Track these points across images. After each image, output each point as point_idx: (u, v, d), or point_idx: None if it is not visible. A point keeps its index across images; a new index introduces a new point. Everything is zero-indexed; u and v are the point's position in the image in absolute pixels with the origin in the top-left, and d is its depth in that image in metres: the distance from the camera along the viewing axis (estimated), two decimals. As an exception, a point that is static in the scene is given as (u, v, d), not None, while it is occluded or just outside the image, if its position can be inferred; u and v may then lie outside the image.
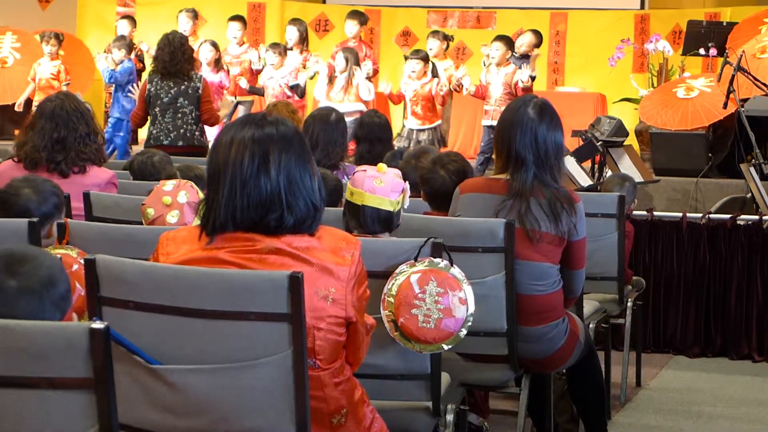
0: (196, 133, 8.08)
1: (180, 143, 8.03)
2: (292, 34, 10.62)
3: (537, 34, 10.53)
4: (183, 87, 8.03)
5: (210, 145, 8.00)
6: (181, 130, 8.04)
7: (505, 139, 4.14)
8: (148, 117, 8.19)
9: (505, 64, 9.84)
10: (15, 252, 2.39)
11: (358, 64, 10.08)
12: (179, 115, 8.04)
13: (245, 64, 10.67)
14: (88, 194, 4.54)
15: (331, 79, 9.98)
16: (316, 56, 10.54)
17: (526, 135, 4.07)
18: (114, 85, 10.47)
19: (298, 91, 10.08)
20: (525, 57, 10.41)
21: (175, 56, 8.03)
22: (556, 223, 4.05)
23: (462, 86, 9.95)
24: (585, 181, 7.76)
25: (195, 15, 11.14)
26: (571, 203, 4.08)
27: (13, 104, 11.38)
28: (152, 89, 8.11)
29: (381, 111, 8.33)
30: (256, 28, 13.13)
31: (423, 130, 9.91)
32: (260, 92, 10.30)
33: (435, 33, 10.85)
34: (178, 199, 3.86)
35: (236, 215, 2.75)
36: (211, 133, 8.71)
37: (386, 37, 13.39)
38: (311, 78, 10.38)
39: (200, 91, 8.05)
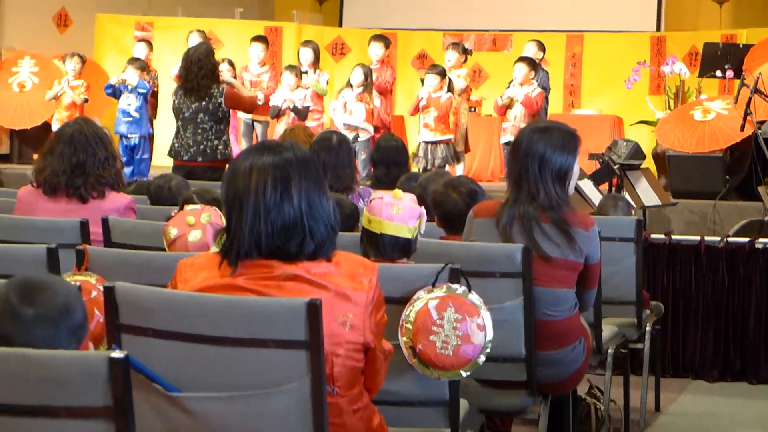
0: (220, 147, 8.13)
1: (199, 159, 8.10)
2: (307, 55, 10.69)
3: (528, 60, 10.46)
4: (204, 103, 8.07)
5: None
6: (201, 146, 8.10)
7: (511, 162, 4.14)
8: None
9: (528, 84, 9.97)
10: (32, 280, 2.39)
11: (371, 80, 10.19)
12: (199, 130, 8.09)
13: (263, 83, 10.73)
14: (106, 219, 4.53)
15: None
16: (326, 74, 10.81)
17: (531, 158, 4.04)
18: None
19: (300, 115, 10.11)
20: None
21: (191, 72, 8.07)
22: (568, 248, 4.01)
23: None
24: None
25: (204, 35, 11.18)
26: (580, 227, 4.03)
27: (32, 128, 11.43)
28: (176, 101, 8.21)
29: (396, 134, 8.37)
30: (273, 51, 13.16)
31: (437, 143, 10.01)
32: (304, 114, 10.27)
33: (455, 45, 11.01)
34: (201, 219, 3.89)
35: (261, 242, 2.74)
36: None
37: (403, 60, 13.41)
38: (324, 94, 10.52)
39: (223, 105, 8.09)
